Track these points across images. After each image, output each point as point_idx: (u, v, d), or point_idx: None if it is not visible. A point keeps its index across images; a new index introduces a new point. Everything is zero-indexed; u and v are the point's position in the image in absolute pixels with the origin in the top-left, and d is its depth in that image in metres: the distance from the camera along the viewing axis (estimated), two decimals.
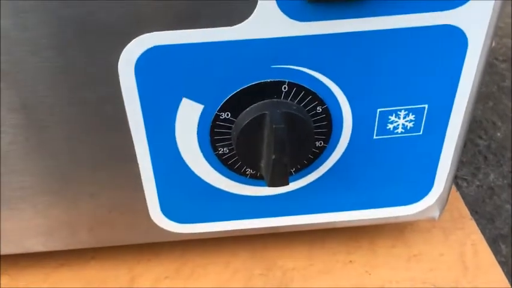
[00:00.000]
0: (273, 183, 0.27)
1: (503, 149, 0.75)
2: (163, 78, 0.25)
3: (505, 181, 0.71)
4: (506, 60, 0.92)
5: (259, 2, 0.24)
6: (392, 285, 0.32)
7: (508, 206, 0.68)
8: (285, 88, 0.26)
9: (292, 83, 0.26)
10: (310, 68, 0.26)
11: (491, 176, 0.72)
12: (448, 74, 0.27)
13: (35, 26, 0.24)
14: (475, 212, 0.69)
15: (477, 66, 0.27)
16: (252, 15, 0.24)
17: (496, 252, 0.65)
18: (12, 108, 0.26)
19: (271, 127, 0.26)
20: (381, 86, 0.27)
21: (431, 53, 0.26)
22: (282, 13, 0.24)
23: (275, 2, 0.24)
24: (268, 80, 0.26)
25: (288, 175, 0.27)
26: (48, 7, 0.23)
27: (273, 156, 0.26)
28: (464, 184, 0.72)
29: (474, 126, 0.78)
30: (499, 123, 0.78)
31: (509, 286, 0.32)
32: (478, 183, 0.71)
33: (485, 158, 0.74)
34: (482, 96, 0.83)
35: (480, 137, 0.76)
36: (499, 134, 0.76)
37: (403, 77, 0.27)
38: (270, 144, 0.26)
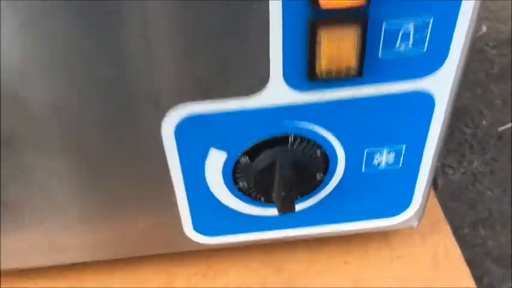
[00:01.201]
0: (282, 211, 0.34)
1: (488, 136, 0.81)
2: (196, 136, 0.32)
3: (488, 168, 0.77)
4: (496, 46, 0.95)
5: (270, 79, 0.30)
6: (379, 281, 0.40)
7: (489, 192, 0.75)
8: (291, 139, 0.33)
9: (296, 135, 0.33)
10: (311, 123, 0.32)
11: (475, 163, 0.78)
12: (420, 123, 0.34)
13: (84, 103, 0.30)
14: (459, 198, 0.76)
15: (443, 117, 0.33)
16: (265, 88, 0.30)
17: (475, 235, 0.72)
18: (64, 155, 0.33)
19: (280, 172, 0.33)
20: (368, 134, 0.33)
21: (407, 109, 0.32)
22: (288, 86, 0.30)
23: (283, 79, 0.30)
24: (278, 134, 0.33)
25: (294, 204, 0.34)
26: (96, 83, 0.29)
27: (283, 193, 0.33)
28: (450, 171, 0.78)
29: (462, 115, 0.83)
30: (486, 111, 0.83)
31: (473, 283, 0.40)
32: (462, 170, 0.77)
33: (471, 146, 0.79)
34: (471, 84, 0.88)
35: (467, 125, 0.82)
36: (484, 122, 0.82)
37: (385, 127, 0.33)
38: (280, 184, 0.33)
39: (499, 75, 0.87)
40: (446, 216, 0.44)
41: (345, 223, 0.39)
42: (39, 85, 0.29)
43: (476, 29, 0.30)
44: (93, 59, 0.28)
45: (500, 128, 0.78)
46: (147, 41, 0.27)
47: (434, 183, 0.61)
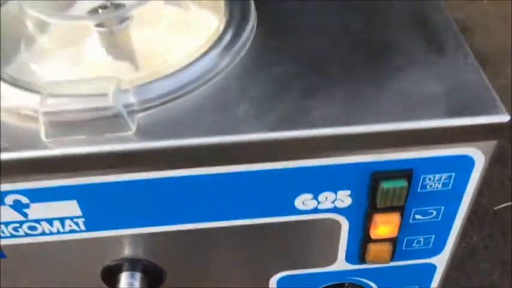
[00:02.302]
0: None
1: (486, 213, 0.98)
2: (289, 284, 0.52)
3: (484, 243, 0.95)
4: None
5: (337, 260, 0.49)
6: None
7: (483, 265, 0.93)
8: (346, 284, 0.53)
9: (349, 282, 0.52)
10: (358, 277, 0.52)
11: (474, 238, 0.96)
12: (428, 274, 0.53)
13: (217, 266, 0.50)
14: (460, 269, 0.94)
15: (442, 272, 0.52)
16: (333, 264, 0.50)
17: None
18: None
19: None
20: (394, 281, 0.53)
21: (421, 270, 0.51)
22: (347, 263, 0.50)
23: (345, 260, 0.49)
24: (339, 282, 0.52)
25: None
26: (236, 267, 0.49)
27: None
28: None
29: None
30: (486, 191, 1.00)
31: None
32: (464, 245, 0.96)
33: (472, 222, 0.97)
34: None
35: None
36: (484, 201, 0.99)
37: (406, 278, 0.52)
38: None
39: (499, 156, 1.02)
40: (449, 284, 0.63)
41: None
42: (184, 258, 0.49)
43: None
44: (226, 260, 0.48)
45: (496, 207, 0.96)
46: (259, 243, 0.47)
47: None
